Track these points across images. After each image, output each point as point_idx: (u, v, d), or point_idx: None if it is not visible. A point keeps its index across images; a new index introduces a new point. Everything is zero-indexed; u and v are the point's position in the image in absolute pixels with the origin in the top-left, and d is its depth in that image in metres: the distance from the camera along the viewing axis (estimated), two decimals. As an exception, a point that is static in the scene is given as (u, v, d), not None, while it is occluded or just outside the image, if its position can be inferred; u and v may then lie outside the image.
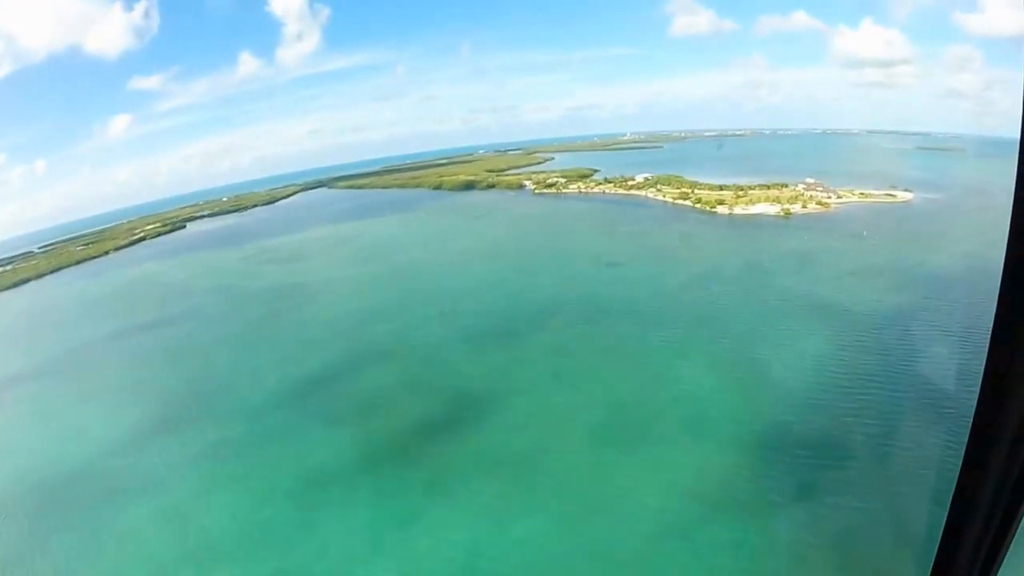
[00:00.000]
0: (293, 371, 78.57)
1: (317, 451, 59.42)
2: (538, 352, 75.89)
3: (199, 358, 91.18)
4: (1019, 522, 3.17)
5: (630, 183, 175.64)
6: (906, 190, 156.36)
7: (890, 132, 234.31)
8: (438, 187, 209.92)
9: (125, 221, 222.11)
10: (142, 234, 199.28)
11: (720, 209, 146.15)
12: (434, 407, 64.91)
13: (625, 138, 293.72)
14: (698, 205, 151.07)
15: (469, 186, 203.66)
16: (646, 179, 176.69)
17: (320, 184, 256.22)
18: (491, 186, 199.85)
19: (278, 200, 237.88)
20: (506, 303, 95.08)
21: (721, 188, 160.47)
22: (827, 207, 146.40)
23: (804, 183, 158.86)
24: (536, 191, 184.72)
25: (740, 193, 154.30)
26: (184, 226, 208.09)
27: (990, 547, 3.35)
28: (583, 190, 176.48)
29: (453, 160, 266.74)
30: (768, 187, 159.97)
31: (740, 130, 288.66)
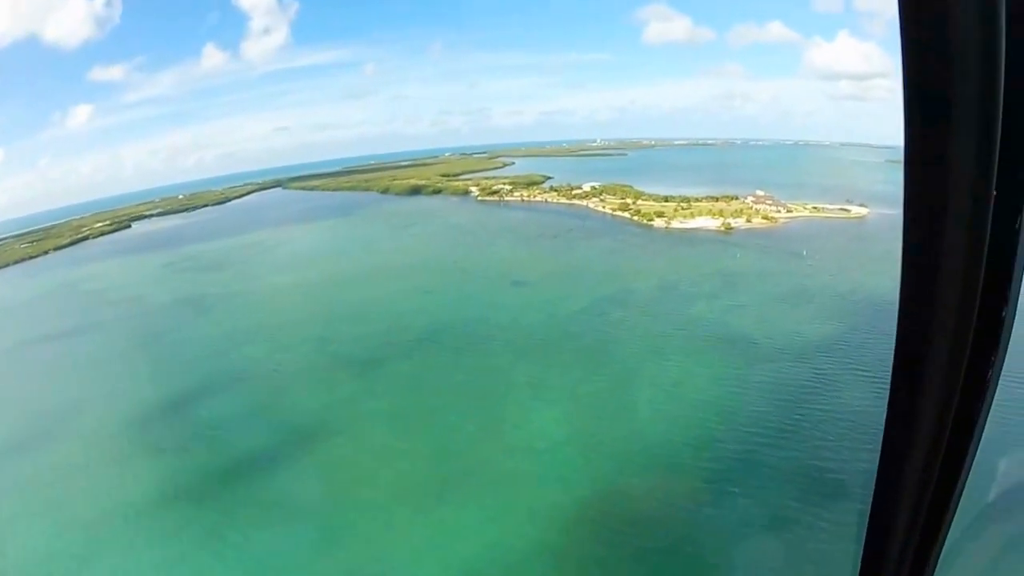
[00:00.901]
0: (149, 394, 74.51)
1: (132, 482, 56.09)
2: (388, 385, 70.89)
3: (70, 376, 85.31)
4: (947, 527, 2.94)
5: (575, 192, 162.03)
6: (861, 205, 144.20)
7: (863, 145, 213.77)
8: (385, 191, 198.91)
9: (77, 217, 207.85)
10: (87, 233, 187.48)
11: (657, 223, 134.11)
12: (257, 442, 60.71)
13: (595, 144, 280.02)
14: (635, 217, 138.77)
15: (416, 191, 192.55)
16: (592, 188, 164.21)
17: (276, 184, 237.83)
18: (438, 191, 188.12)
19: (230, 200, 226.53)
20: (387, 326, 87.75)
21: (666, 199, 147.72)
22: (774, 222, 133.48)
23: (753, 196, 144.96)
24: (479, 198, 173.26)
25: (684, 205, 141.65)
26: (129, 226, 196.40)
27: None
28: (526, 198, 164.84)
29: (416, 162, 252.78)
30: (717, 199, 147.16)
31: (712, 139, 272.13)
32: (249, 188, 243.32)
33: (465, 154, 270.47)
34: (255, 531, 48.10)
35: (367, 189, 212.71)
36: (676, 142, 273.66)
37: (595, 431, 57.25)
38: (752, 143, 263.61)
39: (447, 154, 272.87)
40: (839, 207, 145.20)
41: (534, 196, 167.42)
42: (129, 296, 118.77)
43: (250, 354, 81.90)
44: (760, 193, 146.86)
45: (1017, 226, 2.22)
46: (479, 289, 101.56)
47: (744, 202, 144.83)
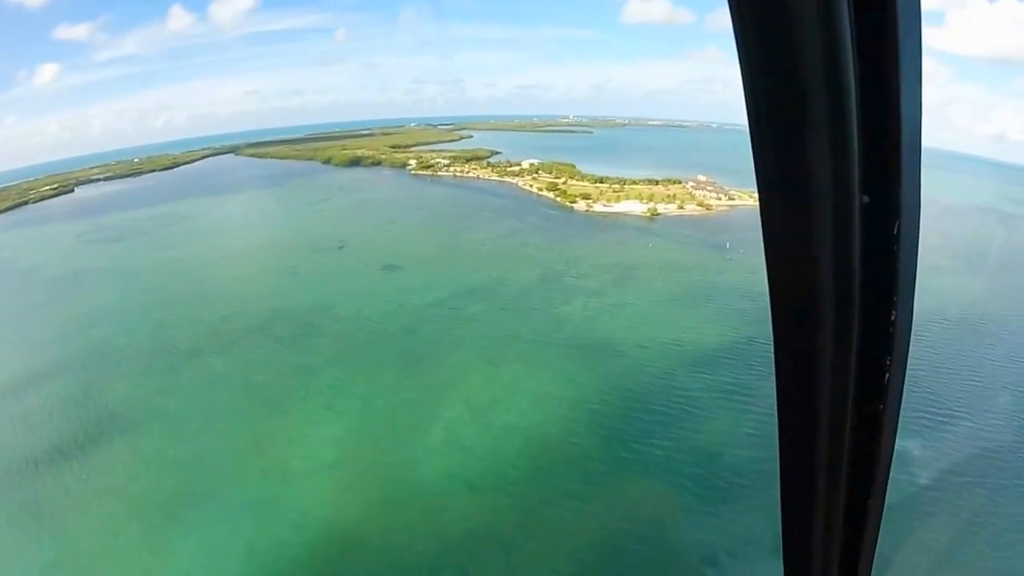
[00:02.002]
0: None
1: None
2: (192, 381, 61.38)
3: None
4: (874, 527, 2.66)
5: (512, 169, 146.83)
6: None
7: None
8: (327, 161, 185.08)
9: (29, 179, 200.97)
10: (32, 196, 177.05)
11: (579, 205, 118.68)
12: (39, 443, 52.90)
13: (566, 120, 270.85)
14: (559, 198, 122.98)
15: (356, 162, 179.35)
16: (531, 165, 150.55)
17: (232, 150, 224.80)
18: (377, 163, 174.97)
19: (180, 165, 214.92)
20: (231, 311, 77.35)
21: (601, 180, 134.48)
22: (708, 210, 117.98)
23: (695, 180, 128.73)
24: (413, 172, 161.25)
25: (616, 188, 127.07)
26: (73, 190, 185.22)
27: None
28: (459, 174, 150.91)
29: (377, 132, 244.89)
30: (657, 182, 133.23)
31: (688, 122, 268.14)
32: (204, 153, 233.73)
33: (431, 125, 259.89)
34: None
35: (312, 159, 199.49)
36: (651, 122, 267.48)
37: (368, 456, 46.64)
38: (727, 127, 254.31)
39: (413, 124, 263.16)
40: None
41: (467, 172, 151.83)
42: (22, 268, 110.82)
43: (93, 337, 73.67)
44: (702, 178, 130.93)
45: (896, 230, 1.94)
46: (347, 272, 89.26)
47: (685, 187, 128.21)
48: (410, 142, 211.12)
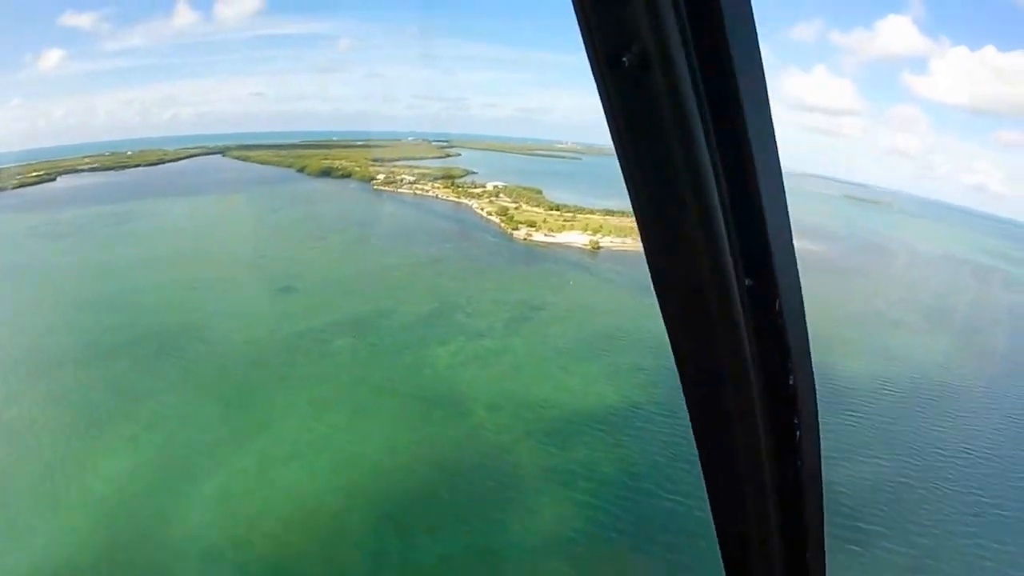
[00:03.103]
0: None
1: None
2: (39, 391, 55.92)
3: None
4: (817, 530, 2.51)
5: (473, 191, 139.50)
6: None
7: (828, 179, 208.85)
8: (301, 170, 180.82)
9: (18, 164, 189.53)
10: (12, 183, 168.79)
11: (521, 232, 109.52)
12: None
13: (562, 146, 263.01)
14: (504, 224, 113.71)
15: (326, 173, 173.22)
16: (494, 187, 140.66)
17: (222, 150, 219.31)
18: (347, 175, 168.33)
19: (165, 163, 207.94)
20: (118, 321, 71.52)
21: (557, 208, 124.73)
22: None
23: None
24: (376, 187, 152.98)
25: (568, 216, 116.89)
26: (55, 179, 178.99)
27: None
28: (418, 192, 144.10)
29: (375, 143, 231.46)
30: (615, 213, 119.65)
31: None
32: (196, 151, 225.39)
33: (427, 140, 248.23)
34: None
35: (291, 166, 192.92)
36: None
37: (133, 500, 41.26)
38: None
39: (411, 139, 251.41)
40: None
41: (428, 190, 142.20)
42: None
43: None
44: None
45: (778, 307, 1.99)
46: (243, 291, 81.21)
47: None
48: (395, 156, 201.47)
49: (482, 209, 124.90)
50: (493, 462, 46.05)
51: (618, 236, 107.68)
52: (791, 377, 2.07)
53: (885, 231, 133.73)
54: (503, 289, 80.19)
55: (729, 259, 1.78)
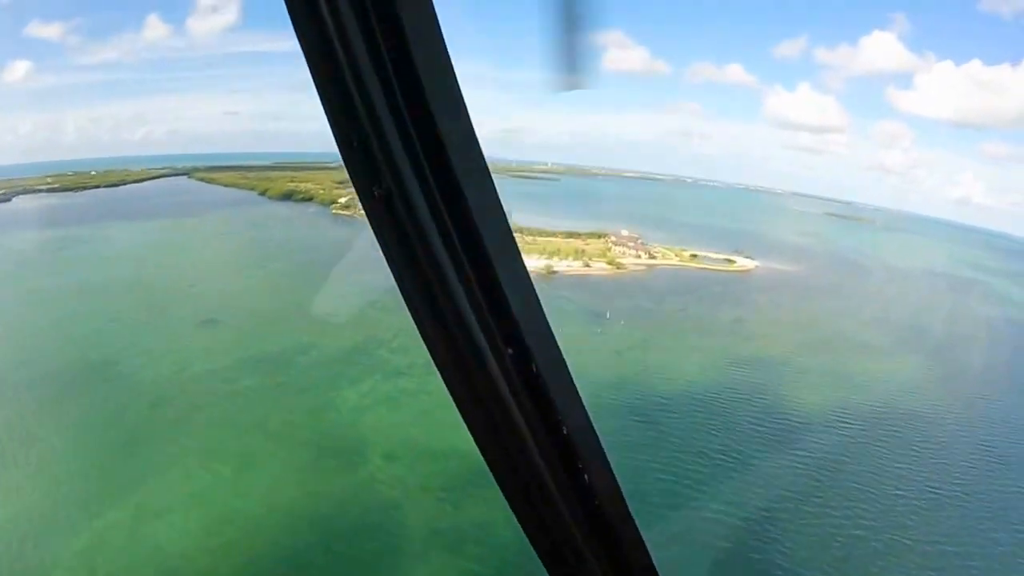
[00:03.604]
0: None
1: None
2: None
3: None
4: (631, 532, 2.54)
5: None
6: (748, 257, 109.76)
7: (813, 196, 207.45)
8: (263, 192, 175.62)
9: None
10: None
11: None
12: None
13: (542, 167, 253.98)
14: None
15: (287, 196, 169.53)
16: None
17: (189, 171, 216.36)
18: (309, 198, 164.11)
19: (128, 183, 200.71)
20: (28, 356, 65.85)
21: (519, 231, 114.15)
22: (618, 269, 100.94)
23: (616, 236, 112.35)
24: (334, 211, 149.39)
25: (528, 240, 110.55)
26: (10, 200, 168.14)
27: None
28: None
29: (342, 165, 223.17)
30: (579, 236, 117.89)
31: (663, 175, 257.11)
32: (162, 172, 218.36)
33: None
34: None
35: (254, 188, 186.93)
36: (625, 174, 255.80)
37: None
38: (703, 183, 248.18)
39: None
40: (724, 256, 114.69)
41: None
42: None
43: None
44: (624, 233, 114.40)
45: (535, 369, 2.12)
46: (165, 325, 76.08)
47: (606, 242, 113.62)
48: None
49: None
50: (379, 520, 40.97)
51: (576, 259, 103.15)
52: (563, 427, 2.17)
53: (863, 248, 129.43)
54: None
55: (483, 339, 1.99)
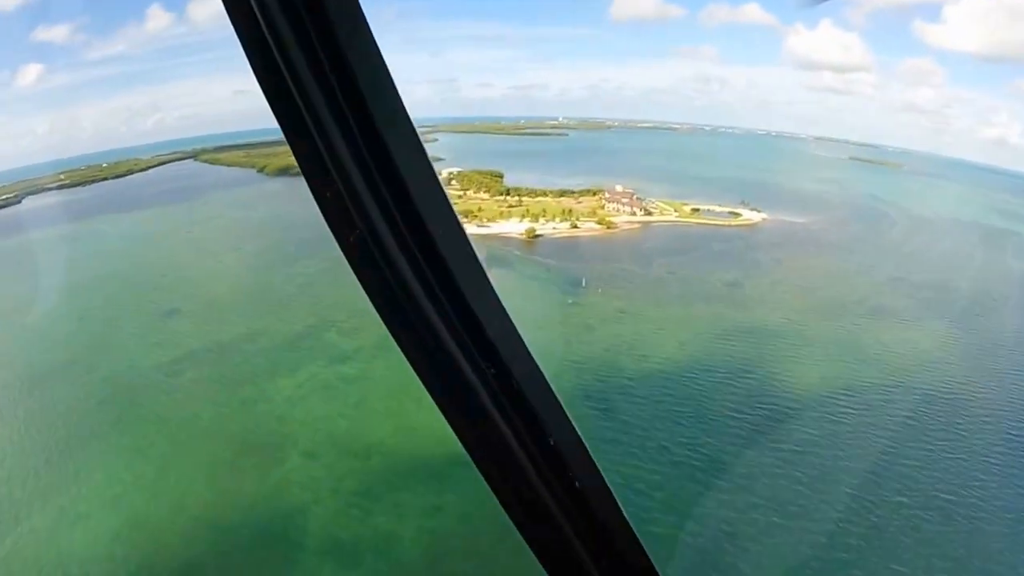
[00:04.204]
0: None
1: None
2: None
3: None
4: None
5: None
6: (754, 209, 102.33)
7: (841, 141, 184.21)
8: (261, 170, 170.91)
9: (2, 184, 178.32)
10: None
11: None
12: None
13: (553, 123, 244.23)
14: None
15: (283, 171, 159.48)
16: (449, 174, 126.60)
17: (197, 154, 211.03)
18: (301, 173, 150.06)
19: (135, 172, 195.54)
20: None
21: (508, 192, 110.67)
22: (609, 228, 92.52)
23: (610, 192, 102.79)
24: None
25: (514, 202, 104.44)
26: (20, 201, 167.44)
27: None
28: None
29: None
30: (572, 194, 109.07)
31: (679, 124, 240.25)
32: (171, 157, 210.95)
33: None
34: None
35: (254, 166, 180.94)
36: (641, 125, 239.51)
37: None
38: (722, 130, 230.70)
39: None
40: (729, 210, 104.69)
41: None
42: None
43: None
44: (619, 189, 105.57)
45: (517, 387, 2.22)
46: (129, 318, 72.46)
47: (600, 198, 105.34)
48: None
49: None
50: (281, 528, 37.21)
51: (564, 220, 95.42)
52: (549, 439, 2.24)
53: (887, 196, 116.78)
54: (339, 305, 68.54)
55: (466, 362, 2.11)
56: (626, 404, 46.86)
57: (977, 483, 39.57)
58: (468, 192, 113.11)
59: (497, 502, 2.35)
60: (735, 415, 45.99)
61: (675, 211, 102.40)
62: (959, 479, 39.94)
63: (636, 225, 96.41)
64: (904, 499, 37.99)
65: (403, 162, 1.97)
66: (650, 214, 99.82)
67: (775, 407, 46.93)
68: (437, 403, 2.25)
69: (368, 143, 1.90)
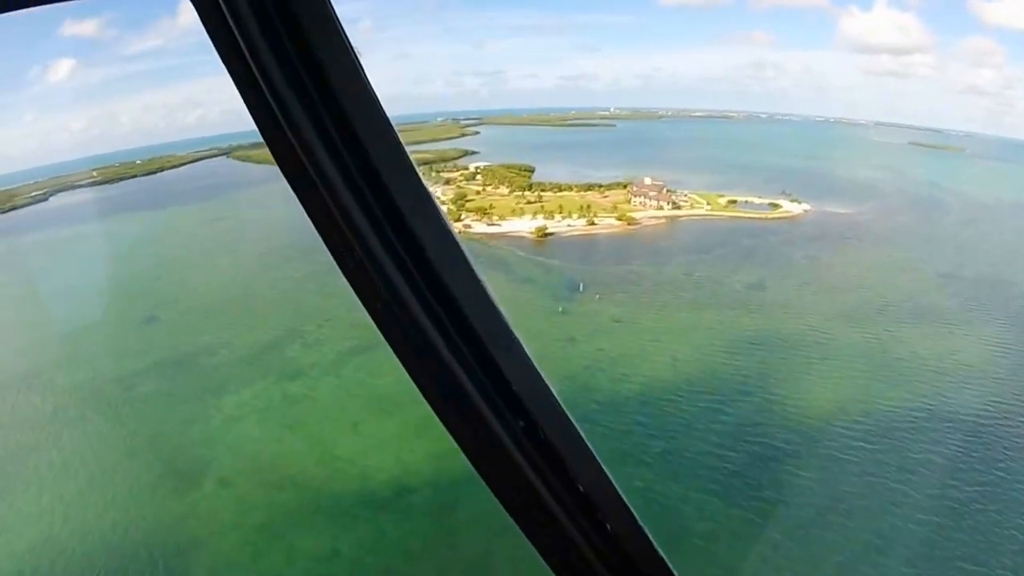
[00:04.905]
0: None
1: None
2: None
3: None
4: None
5: (449, 174, 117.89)
6: (795, 200, 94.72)
7: (900, 126, 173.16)
8: None
9: (28, 183, 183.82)
10: (8, 205, 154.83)
11: (456, 225, 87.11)
12: None
13: (604, 114, 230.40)
14: (448, 216, 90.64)
15: None
16: (476, 168, 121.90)
17: (232, 151, 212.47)
18: None
19: (167, 169, 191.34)
20: None
21: (530, 188, 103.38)
22: (630, 224, 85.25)
23: (637, 184, 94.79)
24: None
25: (532, 199, 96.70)
26: (47, 198, 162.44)
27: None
28: None
29: (399, 127, 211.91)
30: (599, 187, 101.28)
31: (734, 112, 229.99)
32: (208, 153, 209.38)
33: (456, 120, 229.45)
34: None
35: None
36: (694, 114, 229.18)
37: None
38: (778, 118, 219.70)
39: (440, 119, 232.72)
40: (769, 201, 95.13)
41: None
42: None
43: None
44: (648, 181, 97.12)
45: (543, 436, 2.17)
46: (110, 325, 68.09)
47: (627, 191, 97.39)
48: (407, 140, 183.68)
49: (437, 197, 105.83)
50: (172, 563, 33.67)
51: (583, 216, 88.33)
52: (578, 484, 2.22)
53: (945, 182, 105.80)
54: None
55: (497, 423, 2.08)
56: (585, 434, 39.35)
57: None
58: (488, 188, 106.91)
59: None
60: (715, 453, 37.73)
61: (707, 204, 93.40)
62: (990, 547, 30.36)
63: (661, 220, 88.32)
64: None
65: (413, 216, 1.91)
66: (679, 208, 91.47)
67: (768, 443, 38.42)
68: (466, 455, 2.18)
69: (377, 198, 1.87)
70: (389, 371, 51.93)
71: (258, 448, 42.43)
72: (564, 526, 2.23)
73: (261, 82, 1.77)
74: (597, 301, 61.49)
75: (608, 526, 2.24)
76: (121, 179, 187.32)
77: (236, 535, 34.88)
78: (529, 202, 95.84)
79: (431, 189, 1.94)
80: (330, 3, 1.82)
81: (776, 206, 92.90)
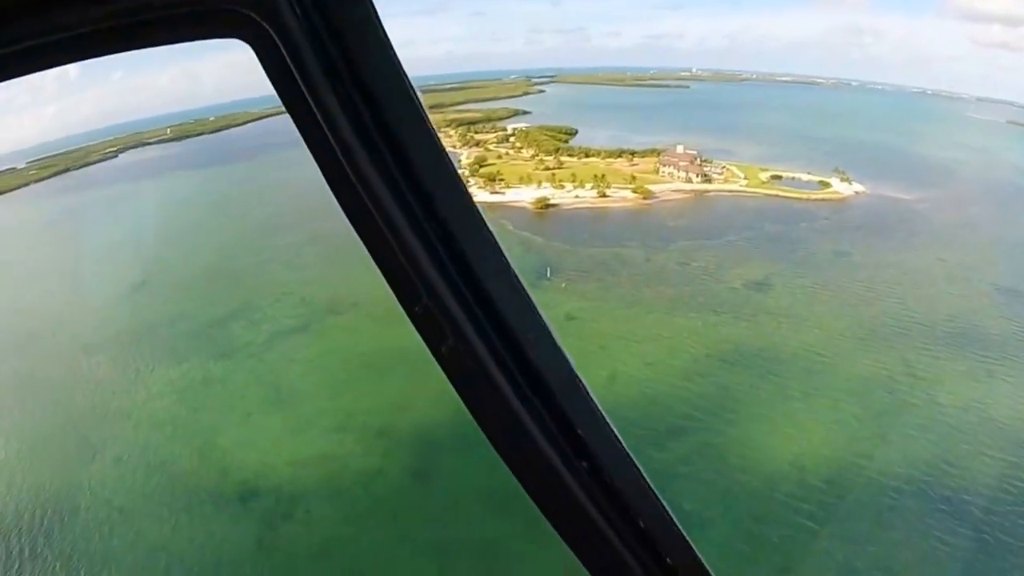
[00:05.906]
0: None
1: None
2: None
3: None
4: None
5: (483, 136, 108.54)
6: (845, 179, 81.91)
7: (1005, 103, 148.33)
8: None
9: (107, 140, 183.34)
10: (80, 162, 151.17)
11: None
12: None
13: (686, 74, 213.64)
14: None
15: None
16: (513, 130, 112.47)
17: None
18: None
19: (232, 127, 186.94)
20: None
21: (557, 152, 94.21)
22: (645, 197, 78.65)
23: (668, 153, 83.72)
24: None
25: (552, 165, 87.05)
26: (117, 156, 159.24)
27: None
28: None
29: (473, 84, 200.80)
30: (630, 154, 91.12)
31: (823, 79, 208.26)
32: (270, 112, 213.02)
33: (529, 77, 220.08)
34: None
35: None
36: (780, 78, 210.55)
37: None
38: (870, 86, 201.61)
39: (513, 77, 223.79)
40: (820, 179, 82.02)
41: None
42: None
43: None
44: (680, 150, 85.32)
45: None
46: (104, 289, 64.63)
47: (657, 161, 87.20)
48: (472, 98, 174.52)
49: (459, 164, 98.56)
50: (47, 528, 32.71)
51: (595, 187, 79.07)
52: (639, 522, 2.17)
53: None
54: (338, 282, 57.54)
55: (562, 465, 2.03)
56: (461, 466, 30.68)
57: None
58: (516, 152, 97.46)
59: None
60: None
61: (745, 178, 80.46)
62: None
63: (683, 194, 78.31)
64: None
65: (487, 276, 1.89)
66: (709, 180, 79.80)
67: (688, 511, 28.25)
68: (531, 496, 2.09)
69: (451, 256, 1.84)
70: (317, 355, 47.32)
71: (157, 429, 40.04)
72: (625, 558, 2.14)
73: (331, 138, 1.72)
74: (562, 290, 52.31)
75: (668, 560, 2.17)
76: (188, 137, 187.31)
77: (104, 512, 33.47)
78: (547, 168, 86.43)
79: (491, 230, 1.83)
80: (394, 54, 1.76)
81: (825, 185, 79.39)
